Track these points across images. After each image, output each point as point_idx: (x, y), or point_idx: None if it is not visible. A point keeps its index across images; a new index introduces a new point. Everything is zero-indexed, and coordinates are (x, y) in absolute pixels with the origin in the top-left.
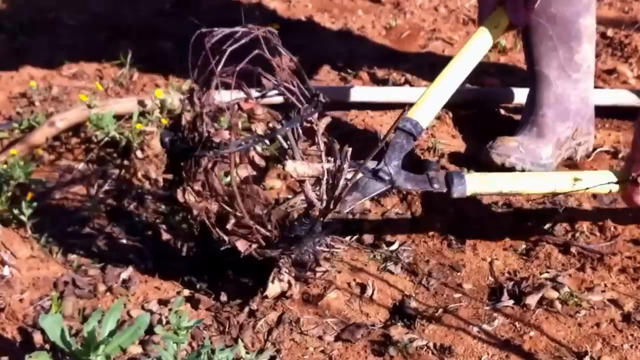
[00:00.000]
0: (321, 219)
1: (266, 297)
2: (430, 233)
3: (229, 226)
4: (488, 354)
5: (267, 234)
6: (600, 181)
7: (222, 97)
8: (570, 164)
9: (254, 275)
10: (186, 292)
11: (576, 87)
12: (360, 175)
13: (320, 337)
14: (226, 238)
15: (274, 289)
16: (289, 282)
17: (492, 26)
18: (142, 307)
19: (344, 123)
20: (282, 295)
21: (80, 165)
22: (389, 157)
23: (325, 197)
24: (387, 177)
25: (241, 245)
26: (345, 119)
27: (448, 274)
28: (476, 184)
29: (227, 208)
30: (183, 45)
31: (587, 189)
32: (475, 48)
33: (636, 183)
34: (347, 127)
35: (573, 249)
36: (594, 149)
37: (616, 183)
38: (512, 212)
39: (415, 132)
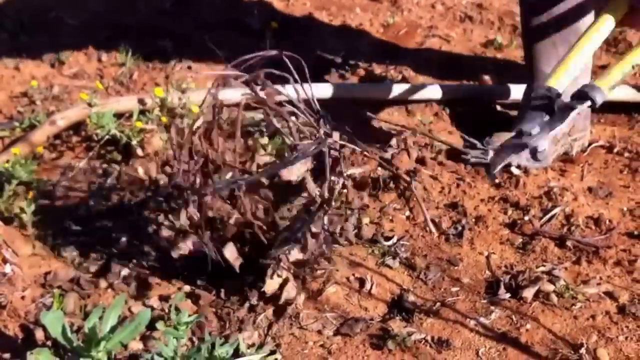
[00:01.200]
0: (321, 212)
1: (264, 293)
2: (428, 228)
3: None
4: (485, 346)
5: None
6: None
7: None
8: (566, 158)
9: (253, 271)
10: (187, 288)
11: (574, 84)
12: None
13: (319, 332)
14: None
15: (272, 284)
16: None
17: (612, 12)
18: (143, 303)
19: (342, 119)
20: (287, 303)
21: (81, 163)
22: (528, 121)
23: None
24: (526, 139)
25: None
26: (344, 115)
27: (446, 268)
28: (605, 78)
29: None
30: (183, 44)
31: None
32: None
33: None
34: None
35: (569, 243)
36: (590, 144)
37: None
38: (509, 206)
39: (550, 93)
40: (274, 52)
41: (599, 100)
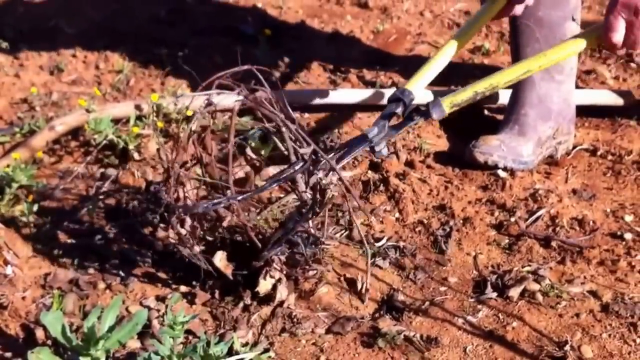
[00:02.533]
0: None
1: (257, 293)
2: (417, 229)
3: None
4: (472, 344)
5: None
6: (568, 50)
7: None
8: (551, 161)
9: (246, 272)
10: (182, 288)
11: (559, 89)
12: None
13: (312, 330)
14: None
15: (265, 285)
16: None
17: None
18: (140, 304)
19: (332, 124)
20: (280, 304)
21: (80, 168)
22: (377, 122)
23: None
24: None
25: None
26: (334, 121)
27: (434, 268)
28: (450, 97)
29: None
30: (178, 51)
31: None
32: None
33: (609, 27)
34: (336, 129)
35: (553, 243)
36: (574, 147)
37: (586, 40)
38: (496, 208)
39: (405, 97)
40: (245, 67)
41: (436, 117)
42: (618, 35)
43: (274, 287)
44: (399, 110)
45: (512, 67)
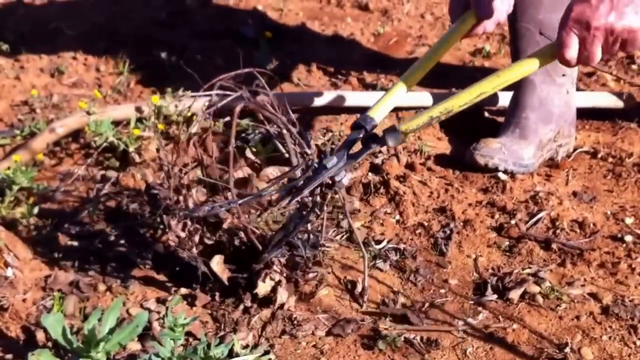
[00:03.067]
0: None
1: (257, 295)
2: (418, 231)
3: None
4: (473, 346)
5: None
6: (522, 71)
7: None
8: (552, 164)
9: (247, 274)
10: (183, 290)
11: (560, 92)
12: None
13: (312, 332)
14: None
15: (264, 287)
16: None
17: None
18: (141, 306)
19: (334, 127)
20: (280, 306)
21: (80, 170)
22: (337, 150)
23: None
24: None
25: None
26: (336, 123)
27: (434, 270)
28: (406, 124)
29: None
30: (178, 53)
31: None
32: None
33: (562, 44)
34: (337, 131)
35: (554, 245)
36: (574, 150)
37: (539, 59)
38: (496, 210)
39: (367, 124)
40: (247, 70)
41: (391, 144)
42: (571, 52)
43: (274, 290)
44: (361, 136)
45: (466, 90)
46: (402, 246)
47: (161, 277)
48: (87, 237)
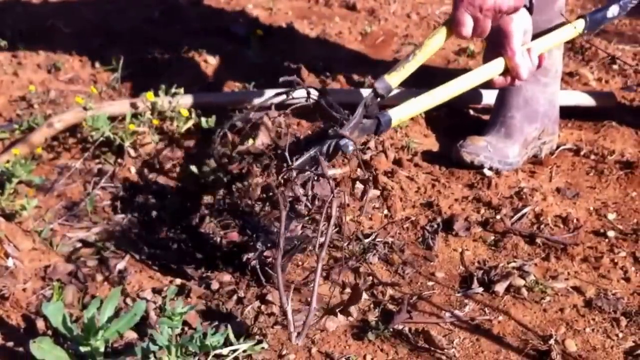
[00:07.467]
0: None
1: (250, 285)
2: (405, 225)
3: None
4: (460, 337)
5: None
6: (494, 70)
7: None
8: (535, 161)
9: (241, 265)
10: (178, 281)
11: (545, 91)
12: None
13: (303, 323)
14: None
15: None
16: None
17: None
18: (138, 296)
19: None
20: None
21: (77, 164)
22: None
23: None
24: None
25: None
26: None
27: (422, 263)
28: (397, 113)
29: None
30: (171, 50)
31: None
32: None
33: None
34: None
35: (538, 240)
36: (558, 147)
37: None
38: (482, 206)
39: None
40: (290, 78)
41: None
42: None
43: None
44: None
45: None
46: (390, 240)
47: (157, 269)
48: (85, 228)
